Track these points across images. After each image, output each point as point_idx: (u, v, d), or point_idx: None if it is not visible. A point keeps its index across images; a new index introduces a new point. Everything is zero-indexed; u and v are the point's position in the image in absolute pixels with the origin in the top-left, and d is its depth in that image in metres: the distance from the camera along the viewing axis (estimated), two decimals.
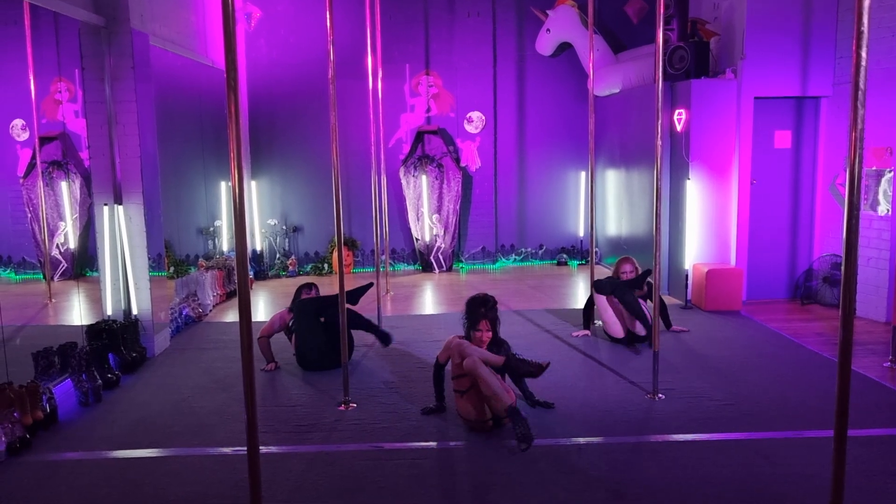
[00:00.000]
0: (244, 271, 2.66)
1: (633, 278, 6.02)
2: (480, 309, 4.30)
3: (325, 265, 9.56)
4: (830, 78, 7.09)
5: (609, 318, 5.89)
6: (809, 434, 4.07)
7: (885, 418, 4.28)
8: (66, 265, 6.88)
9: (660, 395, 4.67)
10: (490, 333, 4.32)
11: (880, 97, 6.33)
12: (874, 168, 6.50)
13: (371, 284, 5.87)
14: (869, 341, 5.87)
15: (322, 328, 5.39)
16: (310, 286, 5.77)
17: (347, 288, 5.02)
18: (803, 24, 7.02)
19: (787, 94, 7.16)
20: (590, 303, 6.36)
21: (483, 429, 4.18)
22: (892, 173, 6.33)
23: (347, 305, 4.96)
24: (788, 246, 7.50)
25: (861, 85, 2.36)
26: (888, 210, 6.39)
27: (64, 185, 6.79)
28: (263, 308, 7.61)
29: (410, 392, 4.88)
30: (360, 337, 6.20)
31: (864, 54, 2.35)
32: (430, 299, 8.07)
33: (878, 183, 6.48)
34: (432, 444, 4.05)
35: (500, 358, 4.17)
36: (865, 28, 2.34)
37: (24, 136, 6.71)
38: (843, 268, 2.48)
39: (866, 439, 3.95)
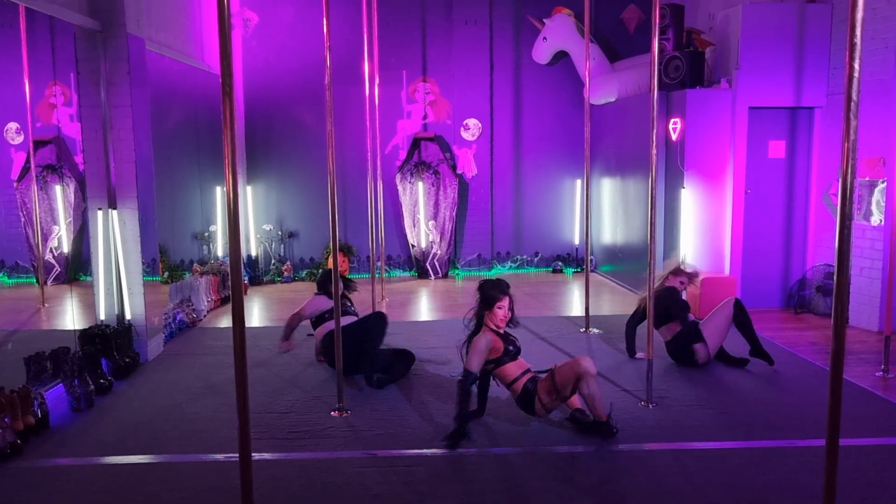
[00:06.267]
0: (238, 277, 2.66)
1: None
2: (498, 287, 4.23)
3: (321, 271, 9.54)
4: (824, 88, 7.13)
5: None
6: (802, 443, 4.07)
7: (877, 427, 4.28)
8: (59, 269, 6.86)
9: (653, 404, 4.67)
10: (510, 312, 4.26)
11: (874, 108, 6.36)
12: (867, 178, 6.53)
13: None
14: (862, 350, 5.89)
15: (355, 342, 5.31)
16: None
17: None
18: (797, 34, 7.06)
19: (781, 104, 7.20)
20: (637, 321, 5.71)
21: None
22: (885, 184, 6.36)
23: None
24: (782, 255, 7.52)
25: (854, 96, 2.38)
26: (881, 220, 6.42)
27: (58, 189, 6.78)
28: (258, 314, 7.59)
29: (405, 399, 4.87)
30: None
31: (856, 66, 2.37)
32: (425, 306, 8.07)
33: (871, 193, 6.51)
34: (426, 451, 4.04)
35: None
36: (858, 40, 2.36)
37: (19, 139, 6.70)
38: (835, 277, 2.49)
39: (858, 448, 3.95)
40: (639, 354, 5.64)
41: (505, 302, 4.22)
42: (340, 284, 5.54)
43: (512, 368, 4.27)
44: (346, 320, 5.27)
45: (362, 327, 5.32)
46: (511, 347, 4.27)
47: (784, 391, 4.94)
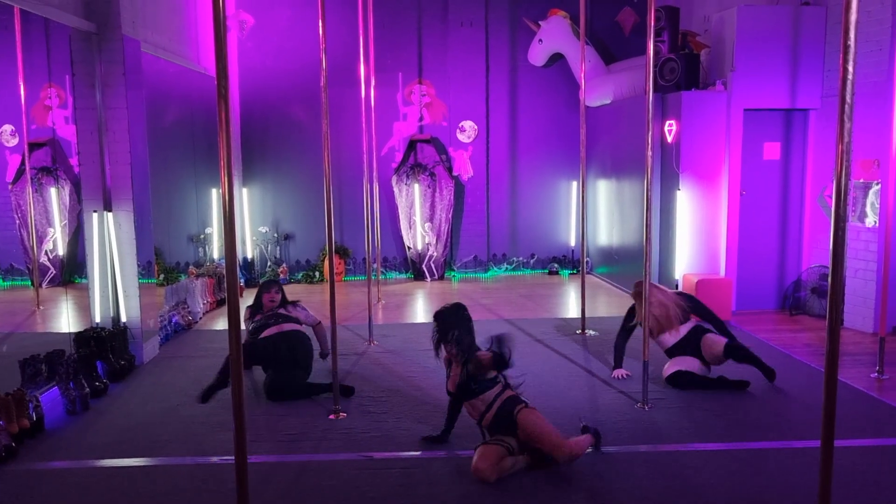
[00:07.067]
0: (234, 279, 2.66)
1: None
2: (451, 319, 3.93)
3: (317, 273, 9.54)
4: (819, 90, 7.16)
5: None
6: (797, 444, 4.08)
7: (872, 428, 4.30)
8: (54, 272, 6.85)
9: (649, 405, 4.68)
10: (455, 349, 3.91)
11: (868, 110, 6.38)
12: (862, 180, 6.55)
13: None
14: (857, 352, 5.91)
15: (291, 362, 5.09)
16: (270, 285, 5.53)
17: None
18: (792, 37, 7.09)
19: (776, 106, 7.22)
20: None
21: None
22: (880, 185, 6.38)
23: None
24: (777, 257, 7.54)
25: (848, 99, 2.39)
26: (876, 222, 6.44)
27: (53, 191, 6.77)
28: None
29: (401, 401, 4.87)
30: (351, 346, 6.19)
31: (850, 68, 2.38)
32: (421, 308, 8.07)
33: (865, 195, 6.53)
34: (422, 454, 4.04)
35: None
36: (852, 42, 2.37)
37: (14, 141, 6.69)
38: (829, 279, 2.50)
39: (853, 449, 3.96)
40: (619, 373, 5.31)
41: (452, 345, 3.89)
42: (280, 296, 5.46)
43: (468, 411, 3.97)
44: (287, 327, 5.20)
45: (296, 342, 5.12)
46: (456, 390, 3.92)
47: (779, 393, 4.95)
